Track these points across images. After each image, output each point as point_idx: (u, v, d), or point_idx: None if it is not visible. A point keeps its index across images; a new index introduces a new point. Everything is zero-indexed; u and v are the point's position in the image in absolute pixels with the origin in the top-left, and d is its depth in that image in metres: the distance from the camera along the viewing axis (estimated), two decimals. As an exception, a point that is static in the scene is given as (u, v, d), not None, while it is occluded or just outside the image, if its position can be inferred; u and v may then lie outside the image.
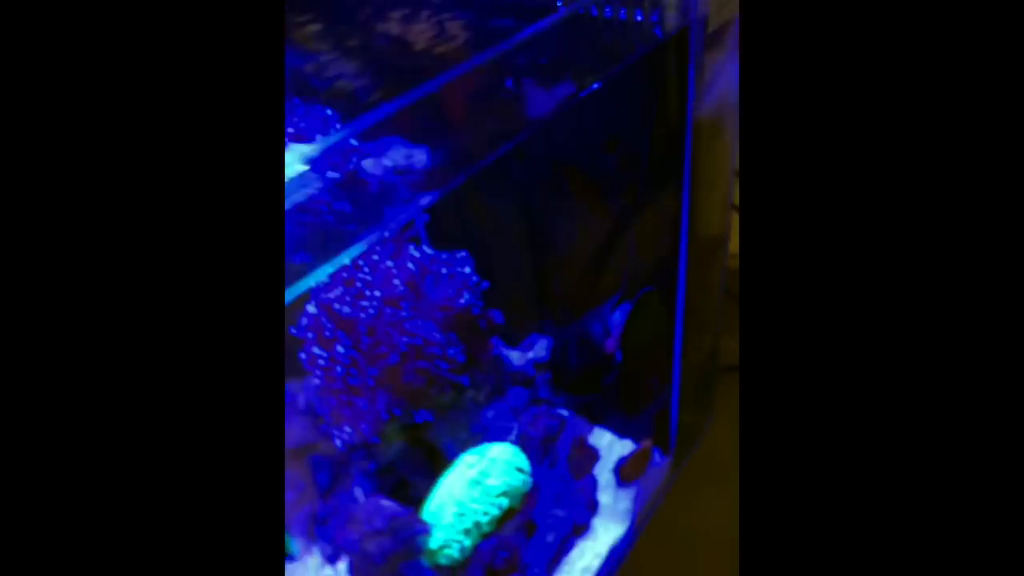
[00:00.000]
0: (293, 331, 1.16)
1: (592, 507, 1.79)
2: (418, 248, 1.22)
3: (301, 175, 0.44)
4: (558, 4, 0.69)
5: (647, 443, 1.94)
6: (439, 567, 1.16)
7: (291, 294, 0.51)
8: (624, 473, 1.88)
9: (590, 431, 1.87)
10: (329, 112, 0.84)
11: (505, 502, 1.28)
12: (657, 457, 1.95)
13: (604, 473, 1.94)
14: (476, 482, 1.26)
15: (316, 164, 0.46)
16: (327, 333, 1.05)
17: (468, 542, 1.20)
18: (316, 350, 1.06)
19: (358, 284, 1.09)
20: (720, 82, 0.77)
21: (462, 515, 1.19)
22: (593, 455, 1.95)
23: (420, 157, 0.59)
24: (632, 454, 1.90)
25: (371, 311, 1.06)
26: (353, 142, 0.53)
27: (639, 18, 0.67)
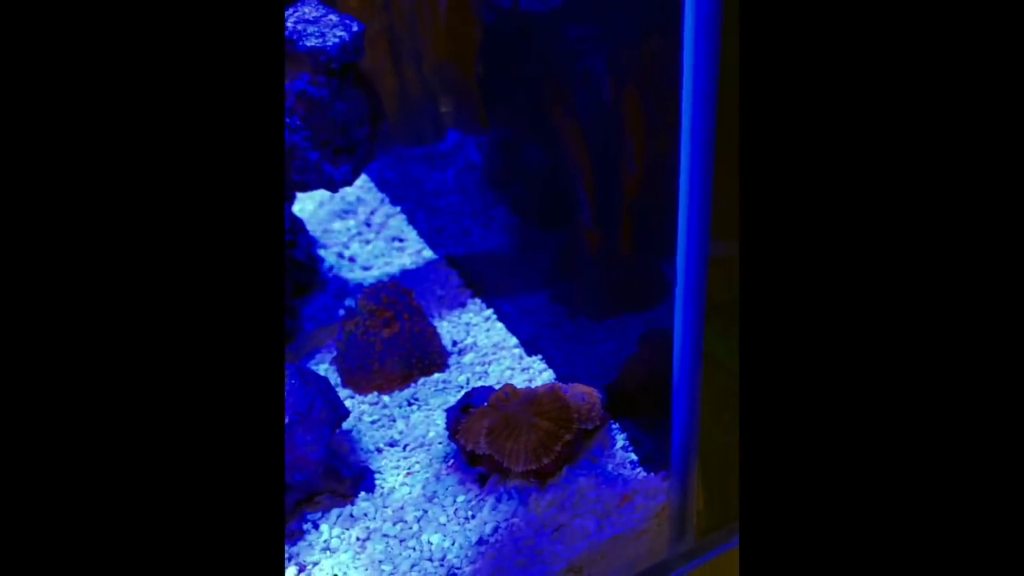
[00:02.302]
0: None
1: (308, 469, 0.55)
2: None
3: None
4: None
5: (591, 393, 0.66)
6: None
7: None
8: (468, 434, 0.61)
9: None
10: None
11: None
12: (618, 457, 0.67)
13: (426, 413, 0.68)
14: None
15: None
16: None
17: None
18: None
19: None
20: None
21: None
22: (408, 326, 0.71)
23: None
24: (522, 396, 0.62)
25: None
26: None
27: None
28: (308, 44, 0.69)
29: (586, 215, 0.65)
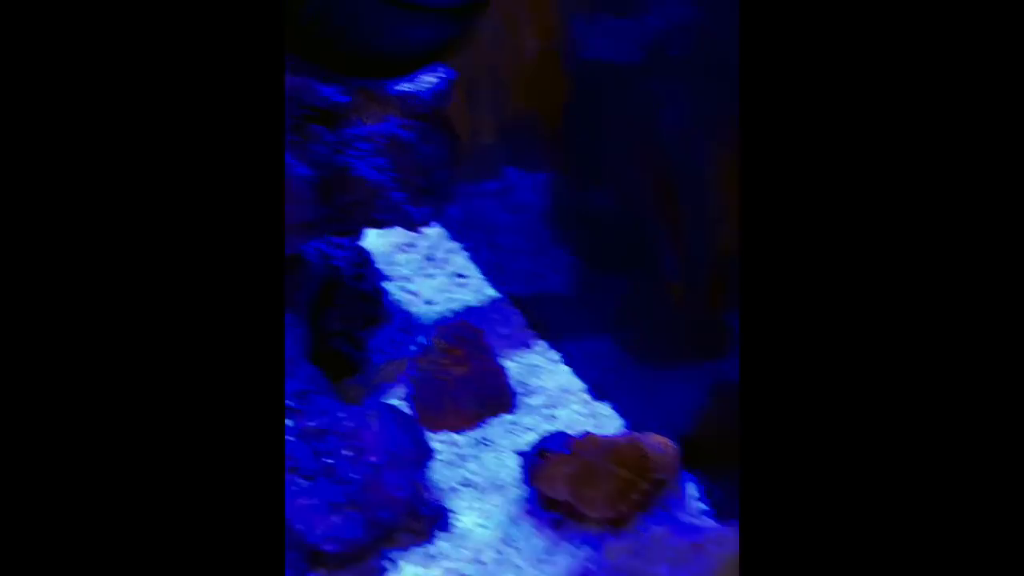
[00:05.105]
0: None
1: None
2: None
3: None
4: None
5: (668, 444, 0.66)
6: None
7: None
8: (547, 479, 0.62)
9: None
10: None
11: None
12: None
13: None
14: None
15: None
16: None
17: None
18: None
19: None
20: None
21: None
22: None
23: None
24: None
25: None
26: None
27: None
28: (400, 88, 0.71)
29: (670, 266, 0.66)
